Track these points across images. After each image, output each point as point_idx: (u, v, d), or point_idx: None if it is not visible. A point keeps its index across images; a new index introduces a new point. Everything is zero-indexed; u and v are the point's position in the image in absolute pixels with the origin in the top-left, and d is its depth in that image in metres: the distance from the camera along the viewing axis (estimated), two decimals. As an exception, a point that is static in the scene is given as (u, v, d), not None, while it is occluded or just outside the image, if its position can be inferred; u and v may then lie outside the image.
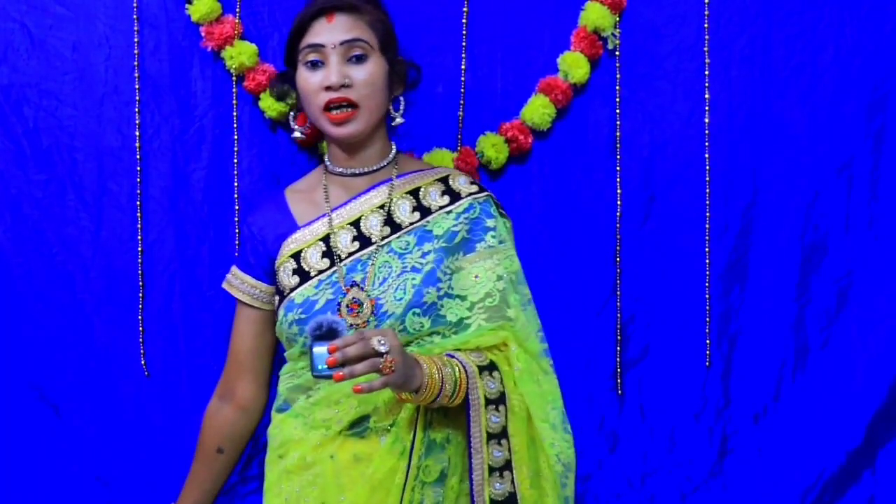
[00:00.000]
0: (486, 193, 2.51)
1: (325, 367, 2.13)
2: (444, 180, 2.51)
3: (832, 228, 2.86)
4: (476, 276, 2.43)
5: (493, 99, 2.86)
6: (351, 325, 2.36)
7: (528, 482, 2.33)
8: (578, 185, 2.86)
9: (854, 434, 2.83)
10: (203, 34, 2.80)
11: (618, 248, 2.84)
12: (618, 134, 2.85)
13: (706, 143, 2.83)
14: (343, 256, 2.43)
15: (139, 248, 2.81)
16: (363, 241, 2.44)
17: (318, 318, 2.20)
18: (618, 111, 2.85)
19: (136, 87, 2.81)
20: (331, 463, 2.36)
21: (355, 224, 2.45)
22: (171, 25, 2.82)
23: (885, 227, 2.85)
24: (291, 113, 2.59)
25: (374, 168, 2.50)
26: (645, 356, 2.84)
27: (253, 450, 2.72)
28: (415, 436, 2.33)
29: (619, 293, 2.84)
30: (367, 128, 2.44)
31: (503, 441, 2.30)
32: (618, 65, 2.85)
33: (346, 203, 2.48)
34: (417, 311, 2.38)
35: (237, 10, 2.81)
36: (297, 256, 2.45)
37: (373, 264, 2.41)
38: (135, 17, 2.81)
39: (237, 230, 2.80)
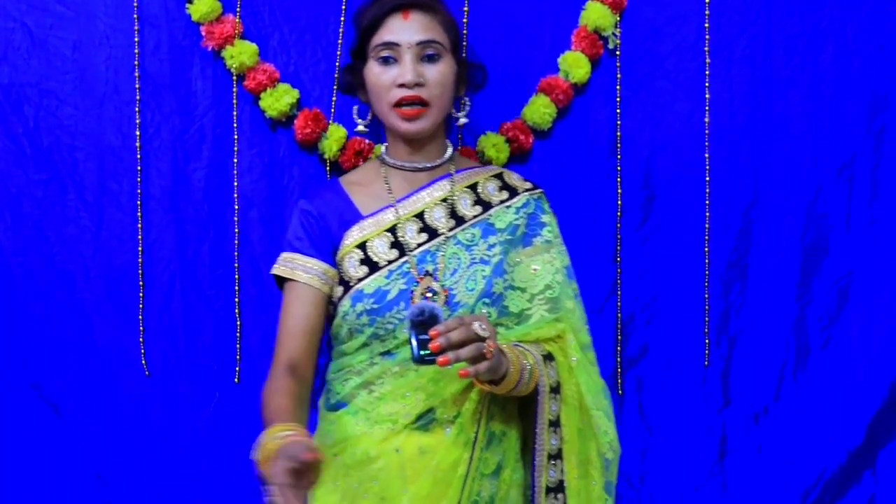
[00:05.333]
0: (539, 190, 2.55)
1: (428, 351, 2.13)
2: (499, 176, 2.55)
3: (833, 228, 2.86)
4: (535, 269, 2.46)
5: (494, 98, 2.85)
6: None
7: (577, 472, 2.35)
8: (579, 185, 2.86)
9: (855, 434, 2.84)
10: (203, 34, 2.80)
11: (618, 247, 2.84)
12: (618, 134, 2.85)
13: (706, 143, 2.83)
14: (412, 247, 2.44)
15: (139, 248, 2.81)
16: (430, 232, 2.45)
17: (419, 304, 2.21)
18: (618, 111, 2.85)
19: (137, 86, 2.81)
20: (396, 456, 2.36)
21: (420, 216, 2.47)
22: (171, 25, 2.82)
23: (886, 226, 2.85)
24: (356, 107, 2.58)
25: (436, 163, 2.51)
26: (645, 356, 2.84)
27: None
28: (479, 427, 2.35)
29: (619, 293, 2.84)
30: (433, 126, 2.46)
31: (558, 429, 2.34)
32: (618, 64, 2.85)
33: (409, 195, 2.49)
34: (487, 301, 2.40)
35: (237, 9, 2.81)
36: (362, 246, 2.45)
37: (443, 255, 2.43)
38: (135, 16, 2.81)
39: (237, 230, 2.80)
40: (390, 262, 2.43)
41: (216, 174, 2.82)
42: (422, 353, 2.14)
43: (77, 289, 2.81)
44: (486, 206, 2.49)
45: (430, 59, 2.43)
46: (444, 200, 2.48)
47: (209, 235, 2.82)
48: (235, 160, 2.82)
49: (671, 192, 2.84)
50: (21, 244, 2.81)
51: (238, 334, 2.82)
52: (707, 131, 2.83)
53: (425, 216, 2.47)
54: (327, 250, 2.48)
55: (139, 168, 2.82)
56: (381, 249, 2.44)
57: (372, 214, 2.48)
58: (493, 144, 2.81)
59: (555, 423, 2.34)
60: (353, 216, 2.49)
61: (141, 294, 2.81)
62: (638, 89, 2.85)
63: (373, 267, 2.43)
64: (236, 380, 2.81)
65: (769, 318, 2.85)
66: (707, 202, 2.83)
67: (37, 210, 2.81)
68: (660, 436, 2.84)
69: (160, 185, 2.82)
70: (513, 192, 2.51)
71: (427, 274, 2.42)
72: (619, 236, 2.85)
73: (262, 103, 2.79)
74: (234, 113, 2.82)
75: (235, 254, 2.81)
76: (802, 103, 2.85)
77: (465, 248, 2.44)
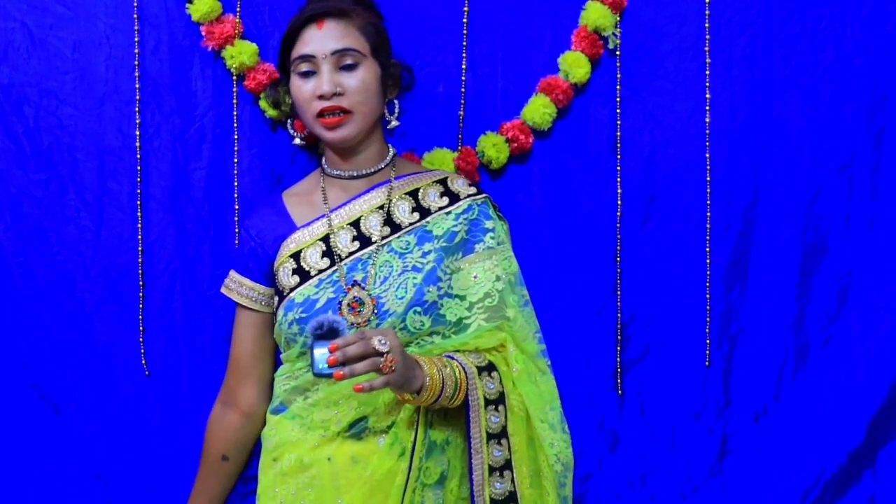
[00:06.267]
0: (484, 195, 2.53)
1: (326, 366, 2.14)
2: (443, 182, 2.52)
3: (833, 228, 2.85)
4: (475, 277, 2.45)
5: (494, 99, 2.86)
6: (352, 323, 2.37)
7: (528, 481, 2.34)
8: (579, 185, 2.86)
9: (855, 434, 2.83)
10: (203, 33, 2.80)
11: (618, 248, 2.84)
12: (618, 134, 2.85)
13: (707, 143, 2.83)
14: (343, 256, 2.43)
15: (139, 248, 2.81)
16: (363, 240, 2.44)
17: (319, 318, 2.21)
18: (618, 111, 2.85)
19: (137, 86, 2.81)
20: (328, 465, 2.37)
21: (355, 224, 2.46)
22: (171, 25, 2.82)
23: (886, 226, 2.85)
24: (289, 120, 2.59)
25: (372, 170, 2.50)
26: (645, 356, 2.84)
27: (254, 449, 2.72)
28: (416, 437, 2.34)
29: (619, 293, 2.84)
30: (360, 132, 2.45)
31: (503, 441, 2.32)
32: (618, 64, 2.85)
33: (345, 204, 2.49)
34: (418, 309, 2.39)
35: (237, 9, 2.81)
36: (296, 256, 2.46)
37: (373, 264, 2.42)
38: (135, 16, 2.81)
39: (237, 230, 2.80)
40: (321, 271, 2.43)
41: (216, 174, 2.82)
42: (320, 366, 2.15)
43: (77, 289, 2.81)
44: (425, 212, 2.48)
45: (349, 67, 2.42)
46: (381, 208, 2.47)
47: (209, 235, 2.82)
48: (235, 160, 2.82)
49: (672, 191, 2.84)
50: (21, 244, 2.80)
51: (238, 334, 2.82)
52: (708, 131, 2.83)
53: (361, 224, 2.46)
54: (260, 269, 2.51)
55: (139, 168, 2.81)
56: (313, 259, 2.44)
57: (306, 225, 2.48)
58: (493, 144, 2.81)
59: (497, 435, 2.32)
60: (289, 228, 2.49)
61: (141, 294, 2.81)
62: (638, 89, 2.85)
63: (304, 276, 2.43)
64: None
65: (769, 317, 2.85)
66: (707, 202, 2.83)
67: (37, 210, 2.81)
68: (660, 436, 2.83)
69: (160, 185, 2.82)
70: (454, 199, 2.50)
71: (355, 283, 2.41)
72: (619, 236, 2.84)
73: (263, 103, 2.79)
74: (234, 113, 2.82)
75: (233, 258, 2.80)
76: (802, 103, 2.85)
77: (399, 255, 2.43)
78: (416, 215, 2.47)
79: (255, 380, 2.57)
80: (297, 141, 2.59)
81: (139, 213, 2.81)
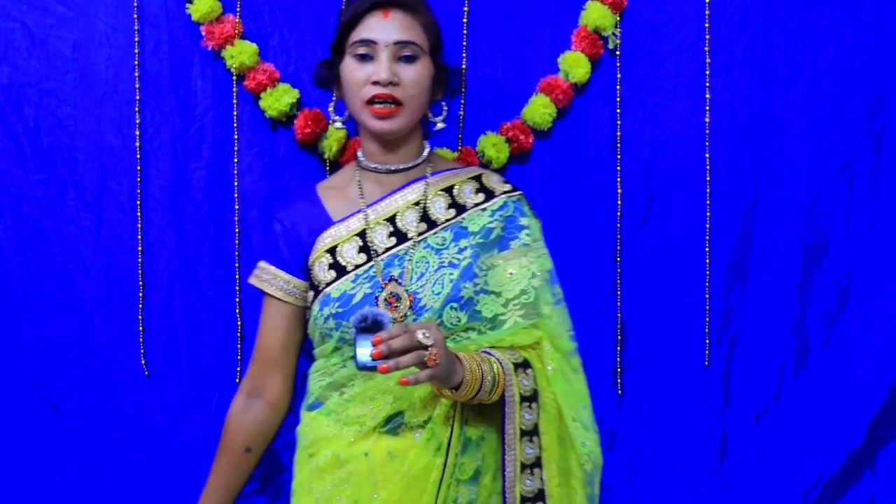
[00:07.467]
0: (519, 192, 2.52)
1: (370, 359, 2.13)
2: (478, 178, 2.52)
3: (833, 228, 2.86)
4: (511, 273, 2.44)
5: (494, 98, 2.86)
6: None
7: (557, 480, 2.33)
8: (579, 185, 2.86)
9: (855, 434, 2.84)
10: (203, 33, 2.80)
11: (618, 247, 2.84)
12: (618, 134, 2.85)
13: (707, 143, 2.84)
14: (380, 251, 2.43)
15: (139, 248, 2.81)
16: (399, 236, 2.44)
17: (363, 311, 2.20)
18: (618, 111, 2.85)
19: (137, 86, 2.81)
20: (364, 460, 2.36)
21: (391, 220, 2.46)
22: (171, 25, 2.82)
23: (886, 226, 2.86)
24: (333, 102, 2.57)
25: (410, 165, 2.50)
26: (645, 355, 2.84)
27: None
28: (451, 433, 2.33)
29: (619, 293, 2.84)
30: (406, 127, 2.45)
31: (535, 438, 2.32)
32: (618, 64, 2.85)
33: (381, 199, 2.49)
34: (455, 305, 2.39)
35: (238, 9, 2.81)
36: (332, 251, 2.45)
37: (410, 259, 2.42)
38: (135, 16, 2.82)
39: (237, 230, 2.80)
40: (358, 266, 2.42)
41: (216, 174, 2.82)
42: (364, 359, 2.14)
43: (77, 289, 2.81)
44: (461, 209, 2.47)
45: (407, 59, 2.41)
46: (417, 204, 2.47)
47: (209, 235, 2.82)
48: (235, 160, 2.82)
49: (671, 191, 2.85)
50: (21, 244, 2.81)
51: (238, 334, 2.82)
52: (707, 131, 2.83)
53: (397, 220, 2.46)
54: (296, 262, 2.49)
55: (139, 168, 2.82)
56: (349, 254, 2.44)
57: (342, 220, 2.47)
58: (493, 144, 2.81)
59: (530, 433, 2.31)
60: (325, 222, 2.48)
61: (141, 294, 2.81)
62: (638, 89, 2.86)
63: (340, 271, 2.43)
64: (237, 380, 2.81)
65: (769, 317, 2.85)
66: (707, 202, 2.83)
67: (37, 210, 2.81)
68: (660, 436, 2.84)
69: (160, 185, 2.82)
70: (489, 195, 2.49)
71: (392, 279, 2.41)
72: (619, 236, 2.85)
73: (262, 103, 2.79)
74: (234, 113, 2.82)
75: (236, 254, 2.81)
76: (802, 103, 2.85)
77: (435, 251, 2.43)
78: (452, 212, 2.47)
79: (283, 372, 2.53)
80: (338, 125, 2.56)
81: (139, 213, 2.81)
